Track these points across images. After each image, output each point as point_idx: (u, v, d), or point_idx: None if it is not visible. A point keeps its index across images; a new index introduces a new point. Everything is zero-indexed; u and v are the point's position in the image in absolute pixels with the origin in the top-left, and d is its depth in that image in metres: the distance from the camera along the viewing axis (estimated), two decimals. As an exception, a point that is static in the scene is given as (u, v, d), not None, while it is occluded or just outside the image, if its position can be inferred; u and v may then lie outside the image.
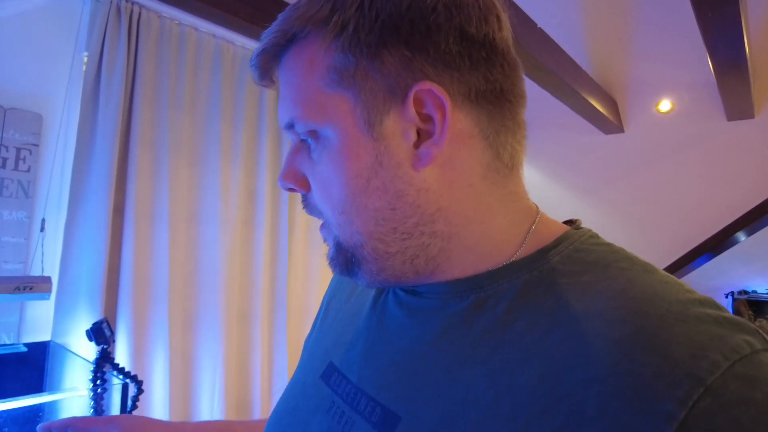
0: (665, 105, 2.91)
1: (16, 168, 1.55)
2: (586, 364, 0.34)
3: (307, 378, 0.51)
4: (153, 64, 1.80)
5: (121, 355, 1.64)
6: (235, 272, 2.07)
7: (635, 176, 3.14)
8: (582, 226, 0.46)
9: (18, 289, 1.28)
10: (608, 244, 0.43)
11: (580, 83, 2.47)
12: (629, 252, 0.42)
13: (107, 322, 1.26)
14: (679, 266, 3.00)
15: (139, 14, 1.74)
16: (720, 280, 3.09)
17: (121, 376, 1.26)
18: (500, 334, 0.39)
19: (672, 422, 0.29)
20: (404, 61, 0.39)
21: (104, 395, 1.24)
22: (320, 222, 0.47)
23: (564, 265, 0.41)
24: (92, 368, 1.24)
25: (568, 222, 0.47)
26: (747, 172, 2.85)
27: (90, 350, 1.41)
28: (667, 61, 2.75)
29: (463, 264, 0.43)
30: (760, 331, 0.33)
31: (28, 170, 1.57)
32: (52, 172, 1.62)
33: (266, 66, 0.45)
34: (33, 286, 1.30)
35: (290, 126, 0.44)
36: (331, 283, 0.63)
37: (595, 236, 0.45)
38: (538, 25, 2.14)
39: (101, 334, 1.24)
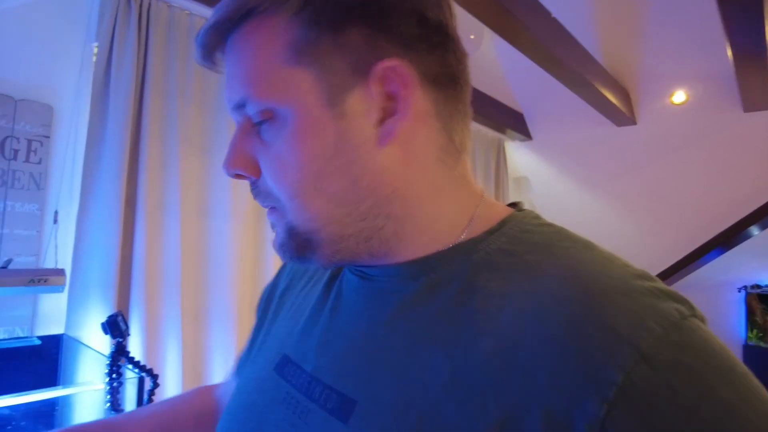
0: (679, 96, 2.87)
1: (27, 160, 1.53)
2: (536, 339, 0.36)
3: (261, 372, 0.51)
4: (162, 55, 1.78)
5: (134, 348, 1.64)
6: (246, 265, 2.05)
7: (647, 169, 3.11)
8: (524, 207, 0.48)
9: (32, 282, 1.27)
10: (550, 225, 0.45)
11: (592, 73, 2.44)
12: (570, 231, 0.44)
13: (122, 316, 1.25)
14: (691, 260, 2.97)
15: (149, 4, 1.72)
16: (732, 275, 3.06)
17: (136, 370, 1.26)
18: (453, 313, 0.40)
19: (613, 387, 0.32)
20: (368, 39, 0.40)
21: (119, 389, 1.23)
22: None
23: (510, 245, 0.43)
24: (107, 362, 1.23)
25: (512, 204, 0.48)
26: (762, 165, 2.81)
27: (103, 343, 1.40)
28: (681, 51, 2.71)
29: (415, 246, 0.44)
30: (687, 299, 0.37)
31: (40, 162, 1.56)
32: (64, 163, 1.60)
33: (213, 43, 0.43)
34: (46, 279, 1.29)
35: (240, 106, 0.42)
36: (280, 276, 0.62)
37: (537, 217, 0.46)
38: (552, 15, 2.11)
39: (116, 327, 1.23)
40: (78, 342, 1.51)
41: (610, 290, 0.36)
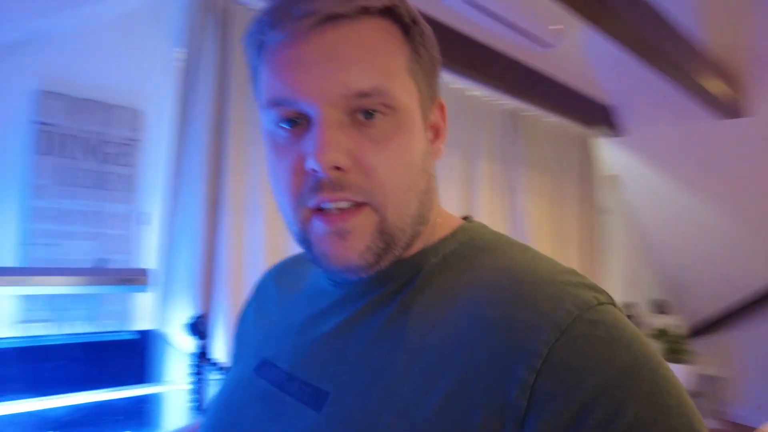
0: (799, 83, 2.53)
1: (118, 162, 1.60)
2: (478, 322, 0.42)
3: (242, 374, 0.56)
4: (243, 59, 1.80)
5: (217, 349, 1.66)
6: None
7: (760, 167, 2.77)
8: (474, 220, 0.57)
9: (118, 281, 1.32)
10: (495, 233, 0.53)
11: (694, 61, 2.20)
12: (511, 238, 0.52)
13: (205, 318, 1.26)
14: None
15: (230, 9, 1.75)
16: None
17: (220, 371, 1.26)
18: (412, 308, 0.46)
19: (539, 359, 0.39)
20: (438, 73, 0.52)
21: (202, 390, 1.24)
22: None
23: (462, 249, 0.51)
24: (191, 362, 1.24)
25: (464, 217, 0.57)
26: None
27: (187, 343, 1.42)
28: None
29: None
30: (607, 292, 0.44)
31: (130, 164, 1.62)
32: (151, 166, 1.66)
33: (309, 25, 0.43)
34: (131, 278, 1.33)
35: (366, 94, 0.44)
36: (257, 291, 0.69)
37: (485, 227, 0.55)
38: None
39: (200, 328, 1.24)
40: (166, 340, 1.55)
41: (537, 280, 0.44)
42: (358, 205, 0.45)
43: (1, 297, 1.39)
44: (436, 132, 0.52)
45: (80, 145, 1.51)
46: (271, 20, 0.44)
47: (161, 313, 1.62)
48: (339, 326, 0.50)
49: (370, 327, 0.47)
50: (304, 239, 0.49)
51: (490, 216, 2.56)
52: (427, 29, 0.49)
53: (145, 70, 1.62)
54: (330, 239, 0.46)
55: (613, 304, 0.43)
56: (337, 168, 0.43)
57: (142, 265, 1.63)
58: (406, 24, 0.47)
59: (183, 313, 1.59)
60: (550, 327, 0.39)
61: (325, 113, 0.43)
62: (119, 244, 1.59)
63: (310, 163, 0.43)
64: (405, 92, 0.46)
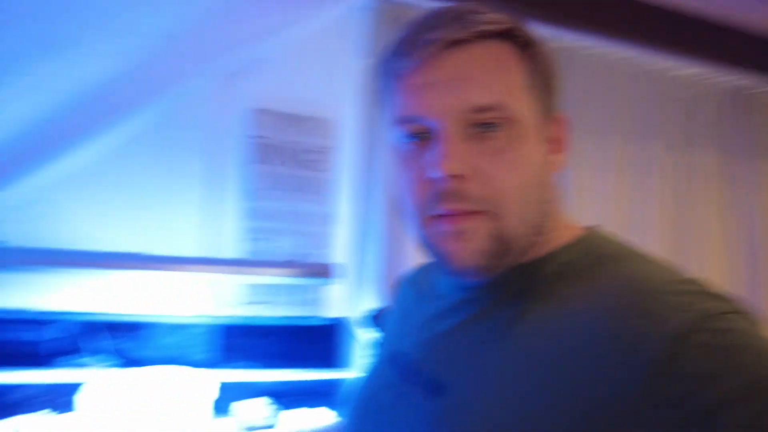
0: None
1: (315, 168, 1.80)
2: (595, 330, 0.44)
3: (378, 365, 0.63)
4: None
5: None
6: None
7: None
8: (599, 229, 0.57)
9: (310, 273, 1.48)
10: (617, 243, 0.54)
11: None
12: (635, 247, 0.53)
13: (385, 311, 1.34)
14: None
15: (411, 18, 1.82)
16: None
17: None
18: (527, 314, 0.49)
19: (657, 364, 0.40)
20: (556, 91, 0.54)
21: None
22: None
23: (580, 259, 0.52)
24: (370, 351, 1.34)
25: (590, 227, 0.58)
26: None
27: (369, 333, 1.52)
28: None
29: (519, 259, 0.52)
30: (736, 302, 0.44)
31: (324, 169, 1.81)
32: (343, 170, 1.82)
33: (434, 51, 0.49)
34: (321, 271, 1.48)
35: (486, 109, 0.48)
36: (397, 293, 0.75)
37: (608, 237, 0.56)
38: None
39: (379, 321, 1.33)
40: (351, 330, 1.69)
41: (657, 290, 0.44)
42: (477, 212, 0.49)
43: (226, 283, 1.68)
44: (556, 145, 0.54)
45: (284, 154, 1.74)
46: (401, 50, 0.51)
47: (349, 304, 1.77)
48: (458, 326, 0.54)
49: (487, 328, 0.51)
50: (426, 242, 0.54)
51: (706, 214, 2.20)
52: (543, 48, 0.53)
53: (335, 82, 1.79)
54: (448, 239, 0.50)
55: (739, 312, 0.43)
56: (458, 176, 0.48)
57: (335, 260, 1.80)
58: (522, 44, 0.51)
59: (368, 304, 1.71)
60: (670, 335, 0.40)
61: (448, 127, 0.48)
62: (316, 240, 1.79)
63: (433, 173, 0.48)
64: (522, 107, 0.49)
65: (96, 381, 1.19)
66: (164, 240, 1.64)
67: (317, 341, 1.72)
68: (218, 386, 1.30)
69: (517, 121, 0.48)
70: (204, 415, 1.17)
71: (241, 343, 1.64)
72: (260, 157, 1.71)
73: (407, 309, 0.68)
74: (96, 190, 1.59)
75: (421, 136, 0.51)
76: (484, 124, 0.48)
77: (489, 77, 0.48)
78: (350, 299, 1.79)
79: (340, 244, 1.82)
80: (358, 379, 0.67)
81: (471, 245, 0.49)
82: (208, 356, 1.61)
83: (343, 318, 1.80)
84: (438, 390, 0.49)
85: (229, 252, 1.70)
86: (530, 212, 0.50)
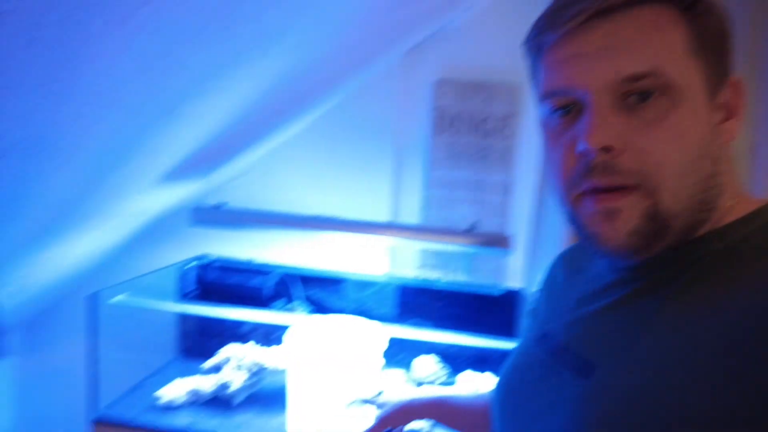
0: None
1: (497, 136, 1.77)
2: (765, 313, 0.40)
3: (527, 343, 0.62)
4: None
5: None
6: None
7: None
8: None
9: (486, 243, 1.49)
10: None
11: None
12: None
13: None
14: None
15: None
16: None
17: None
18: (688, 295, 0.45)
19: None
20: (730, 51, 0.48)
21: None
22: None
23: (756, 235, 0.46)
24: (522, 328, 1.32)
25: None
26: None
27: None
28: None
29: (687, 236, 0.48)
30: None
31: (509, 137, 1.77)
32: (526, 138, 1.76)
33: (594, 15, 0.46)
34: (497, 241, 1.48)
35: (638, 77, 0.44)
36: (549, 271, 0.73)
37: None
38: None
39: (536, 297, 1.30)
40: (523, 300, 1.67)
41: None
42: (629, 188, 0.46)
43: (408, 247, 1.81)
44: (728, 112, 0.49)
45: (466, 123, 1.75)
46: (546, 24, 0.50)
47: (525, 275, 1.74)
48: (611, 305, 0.51)
49: (644, 309, 0.48)
50: (574, 220, 0.52)
51: None
52: (713, 5, 0.47)
53: (520, 47, 1.71)
54: (598, 219, 0.48)
55: None
56: (607, 149, 0.45)
57: (514, 230, 1.78)
58: (684, 4, 0.46)
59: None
60: None
61: (596, 98, 0.46)
62: (495, 210, 1.78)
63: (581, 146, 0.46)
64: (682, 72, 0.45)
65: (298, 323, 1.41)
66: (358, 206, 1.82)
67: (489, 309, 1.74)
68: (389, 340, 1.43)
69: (676, 88, 0.44)
70: (376, 363, 1.30)
71: (416, 303, 1.75)
72: (440, 127, 1.75)
73: (559, 287, 0.67)
74: (302, 160, 1.83)
75: (570, 110, 0.49)
76: (638, 94, 0.45)
77: (641, 43, 0.45)
78: (526, 271, 1.76)
79: (520, 215, 1.79)
80: (507, 359, 0.68)
81: (622, 225, 0.46)
82: (387, 312, 1.77)
83: (517, 289, 1.79)
84: (587, 370, 0.48)
85: (413, 218, 1.81)
86: (694, 187, 0.46)
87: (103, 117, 1.04)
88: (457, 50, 1.73)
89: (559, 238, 1.67)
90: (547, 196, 1.71)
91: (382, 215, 1.81)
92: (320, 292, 1.79)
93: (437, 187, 1.78)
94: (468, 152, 1.76)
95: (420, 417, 0.83)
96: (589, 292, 0.57)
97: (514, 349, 0.67)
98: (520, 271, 1.81)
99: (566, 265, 0.69)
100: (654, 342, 0.45)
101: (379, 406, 1.15)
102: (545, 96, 0.51)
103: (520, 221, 1.79)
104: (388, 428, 0.85)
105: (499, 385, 0.64)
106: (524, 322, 0.77)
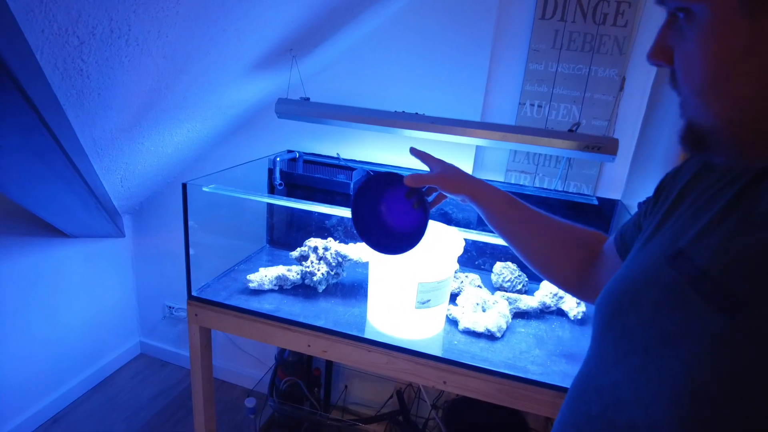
0: None
1: (614, 23, 1.54)
2: None
3: (650, 258, 0.54)
4: None
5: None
6: None
7: None
8: None
9: (587, 148, 1.35)
10: None
11: None
12: None
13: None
14: None
15: None
16: None
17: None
18: None
19: None
20: None
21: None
22: None
23: None
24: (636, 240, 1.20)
25: None
26: None
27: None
28: None
29: None
30: None
31: (626, 25, 1.54)
32: (646, 27, 1.52)
33: None
34: (600, 146, 1.33)
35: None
36: (685, 165, 0.61)
37: None
38: None
39: (650, 208, 1.17)
40: (627, 211, 1.53)
41: None
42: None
43: (497, 149, 1.69)
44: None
45: (579, 8, 1.53)
46: None
47: (631, 184, 1.58)
48: None
49: None
50: None
51: None
52: None
53: None
54: None
55: None
56: (658, 63, 0.49)
57: (617, 134, 1.60)
58: None
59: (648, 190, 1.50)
60: None
61: (667, 15, 0.47)
62: (600, 110, 1.60)
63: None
64: None
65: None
66: (448, 103, 1.71)
67: (582, 220, 1.63)
68: (468, 244, 1.39)
69: (691, 9, 0.43)
70: (452, 265, 1.28)
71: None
72: (548, 11, 1.55)
73: (699, 192, 0.56)
74: (391, 51, 1.72)
75: None
76: (675, 11, 0.45)
77: None
78: (629, 180, 1.60)
79: (628, 117, 1.59)
80: (623, 267, 0.59)
81: (680, 130, 0.48)
82: (468, 216, 1.71)
83: (617, 200, 1.64)
84: (734, 307, 0.41)
85: (508, 118, 1.68)
86: (731, 108, 0.43)
87: (182, 2, 1.00)
88: None
89: (671, 147, 1.48)
90: (662, 98, 1.50)
91: (473, 114, 1.69)
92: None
93: (536, 83, 1.61)
94: (578, 42, 1.56)
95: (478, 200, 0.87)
96: (743, 210, 0.47)
97: (631, 258, 0.59)
98: (620, 181, 1.65)
99: (709, 169, 0.57)
100: None
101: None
102: None
103: (627, 125, 1.60)
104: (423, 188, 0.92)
105: (610, 297, 0.56)
106: (645, 220, 0.64)
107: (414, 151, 0.97)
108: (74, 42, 0.94)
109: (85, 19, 0.88)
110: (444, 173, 0.88)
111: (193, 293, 1.45)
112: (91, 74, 1.07)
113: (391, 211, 0.98)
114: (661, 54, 0.47)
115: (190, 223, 1.38)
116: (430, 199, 0.95)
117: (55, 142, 1.14)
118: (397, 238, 0.97)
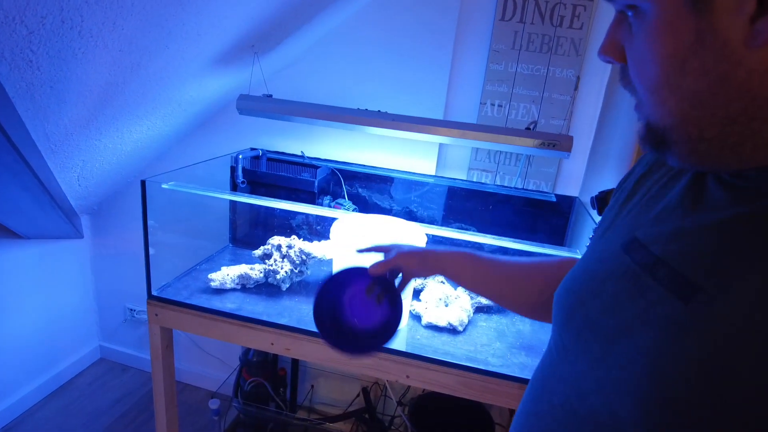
0: None
1: (571, 26, 1.59)
2: None
3: (606, 247, 0.55)
4: None
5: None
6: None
7: None
8: None
9: (544, 145, 1.38)
10: None
11: None
12: None
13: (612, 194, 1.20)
14: None
15: None
16: None
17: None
18: None
19: None
20: None
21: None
22: None
23: None
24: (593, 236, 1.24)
25: None
26: None
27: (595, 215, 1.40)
28: None
29: None
30: None
31: (581, 28, 1.58)
32: (600, 30, 1.57)
33: None
34: (556, 143, 1.37)
35: None
36: (639, 163, 0.63)
37: None
38: None
39: (604, 204, 1.20)
40: (584, 208, 1.58)
41: None
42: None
43: (459, 147, 1.71)
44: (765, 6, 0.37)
45: (537, 10, 1.57)
46: None
47: (582, 182, 1.63)
48: (732, 222, 0.43)
49: (763, 232, 0.41)
50: None
51: None
52: None
53: None
54: None
55: None
56: (608, 61, 0.48)
57: (573, 132, 1.64)
58: None
59: (610, 183, 1.55)
60: None
61: (615, 13, 0.47)
62: (558, 109, 1.64)
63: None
64: None
65: (343, 218, 1.41)
66: (410, 102, 1.73)
67: (541, 216, 1.67)
68: (429, 240, 1.40)
69: (638, 6, 0.43)
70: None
71: (464, 206, 1.70)
72: (508, 12, 1.58)
73: (651, 185, 0.58)
74: (353, 48, 1.73)
75: None
76: (626, 8, 0.44)
77: None
78: (586, 177, 1.65)
79: (584, 115, 1.64)
80: (580, 260, 0.61)
81: (639, 130, 0.47)
82: (432, 213, 1.73)
83: (575, 197, 1.69)
84: (688, 292, 0.42)
85: (469, 117, 1.70)
86: (683, 102, 0.43)
87: (136, -10, 0.99)
88: None
89: (626, 144, 1.53)
90: (616, 96, 1.55)
91: (435, 113, 1.72)
92: (366, 189, 1.77)
93: (496, 83, 1.64)
94: (536, 43, 1.60)
95: (436, 270, 0.85)
96: (695, 200, 0.48)
97: (588, 252, 0.60)
98: (578, 178, 1.70)
99: (659, 167, 0.59)
100: None
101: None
102: None
103: (583, 123, 1.65)
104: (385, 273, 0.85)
105: (569, 289, 0.57)
106: (603, 218, 0.65)
107: (362, 250, 0.92)
108: (22, 32, 0.91)
109: (34, 8, 0.86)
110: (401, 251, 0.86)
111: (154, 293, 1.42)
112: (42, 66, 1.04)
113: (357, 310, 0.89)
114: (611, 50, 0.46)
115: (150, 221, 1.36)
116: (400, 285, 0.89)
117: (3, 134, 1.11)
118: (369, 337, 0.88)
